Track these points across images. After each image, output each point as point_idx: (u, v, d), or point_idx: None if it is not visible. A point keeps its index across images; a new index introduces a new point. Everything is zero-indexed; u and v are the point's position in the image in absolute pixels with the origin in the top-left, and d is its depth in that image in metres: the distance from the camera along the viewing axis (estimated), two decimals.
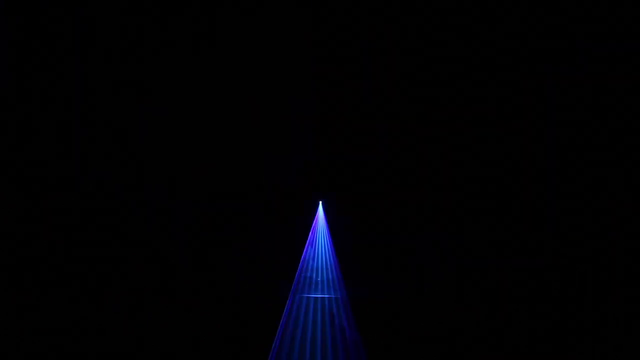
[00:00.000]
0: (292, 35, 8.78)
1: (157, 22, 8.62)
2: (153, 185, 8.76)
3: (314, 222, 10.18)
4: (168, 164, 8.84)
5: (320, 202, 9.89)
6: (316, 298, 9.10)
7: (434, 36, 8.63)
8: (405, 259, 8.77)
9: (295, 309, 8.87)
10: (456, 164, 8.72)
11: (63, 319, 8.08)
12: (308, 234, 10.16)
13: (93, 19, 8.53)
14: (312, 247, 10.15)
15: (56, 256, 8.29)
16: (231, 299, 8.65)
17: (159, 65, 8.66)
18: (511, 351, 8.22)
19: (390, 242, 8.90)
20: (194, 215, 8.89)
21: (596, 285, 8.26)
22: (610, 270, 8.23)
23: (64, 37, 8.47)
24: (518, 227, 8.60)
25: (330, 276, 9.69)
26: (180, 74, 8.70)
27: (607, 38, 8.27)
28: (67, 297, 8.17)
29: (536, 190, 8.58)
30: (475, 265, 8.56)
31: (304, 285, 9.40)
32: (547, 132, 8.56)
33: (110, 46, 8.59)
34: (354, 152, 8.95)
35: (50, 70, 8.44)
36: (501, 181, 8.68)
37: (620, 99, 8.31)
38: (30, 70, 8.41)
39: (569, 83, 8.45)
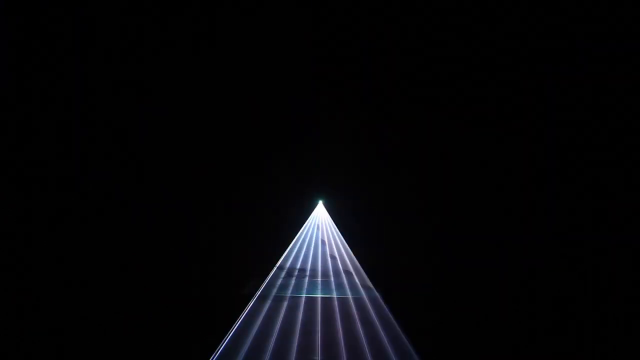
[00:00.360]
0: (292, 36, 8.78)
1: (157, 22, 8.61)
2: (153, 185, 8.77)
3: (314, 220, 10.21)
4: (168, 164, 8.84)
5: (320, 202, 9.94)
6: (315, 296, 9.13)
7: (434, 36, 8.63)
8: (402, 257, 8.80)
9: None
10: (456, 164, 8.74)
11: (63, 318, 8.07)
12: (308, 233, 10.18)
13: (93, 19, 8.52)
14: (312, 245, 10.19)
15: (56, 256, 8.29)
16: (230, 297, 8.67)
17: (159, 65, 8.66)
18: (511, 351, 8.21)
19: (389, 239, 8.93)
20: (194, 214, 8.90)
21: (596, 285, 8.26)
22: (610, 271, 8.23)
23: (64, 37, 8.46)
24: (518, 227, 8.61)
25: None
26: (180, 74, 8.70)
27: (607, 38, 8.27)
28: (66, 297, 8.17)
29: (536, 190, 8.59)
30: (475, 265, 8.57)
31: (306, 285, 9.45)
32: (547, 132, 8.56)
33: (110, 46, 8.58)
34: (354, 152, 8.98)
35: (51, 70, 8.42)
36: (501, 181, 8.69)
37: (620, 98, 8.31)
38: (30, 70, 8.40)
39: (569, 83, 8.46)
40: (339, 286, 9.68)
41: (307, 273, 9.91)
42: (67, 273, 8.28)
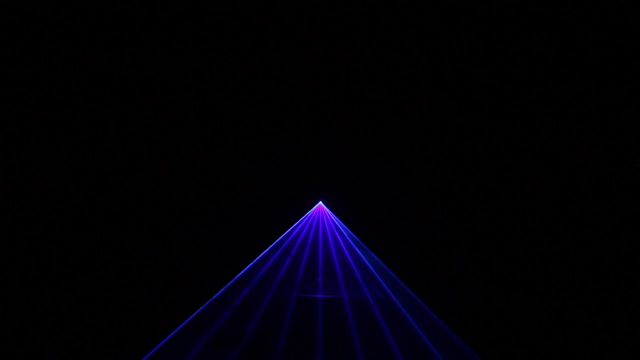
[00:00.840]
0: (292, 35, 8.79)
1: (157, 22, 8.62)
2: (153, 184, 8.79)
3: (315, 219, 10.22)
4: (168, 164, 8.86)
5: (320, 202, 9.96)
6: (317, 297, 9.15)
7: (434, 36, 8.64)
8: (399, 257, 8.84)
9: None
10: (455, 164, 8.75)
11: (63, 318, 8.10)
12: (307, 232, 10.19)
13: (91, 18, 8.53)
14: (312, 242, 10.22)
15: (56, 256, 8.32)
16: (227, 297, 8.69)
17: (159, 65, 8.67)
18: (511, 351, 8.23)
19: (389, 237, 8.96)
20: (194, 214, 8.92)
21: (596, 285, 8.28)
22: (611, 270, 8.25)
23: (64, 37, 8.47)
24: (517, 226, 8.62)
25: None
26: (180, 73, 8.72)
27: (606, 38, 8.27)
28: (66, 297, 8.20)
29: (535, 190, 8.60)
30: (475, 264, 8.59)
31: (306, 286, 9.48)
32: (544, 130, 8.57)
33: (107, 43, 8.58)
34: (354, 152, 9.01)
35: (50, 69, 8.44)
36: (501, 180, 8.70)
37: (620, 99, 8.31)
38: (29, 70, 8.41)
39: (567, 83, 8.47)
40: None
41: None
42: (67, 273, 8.31)
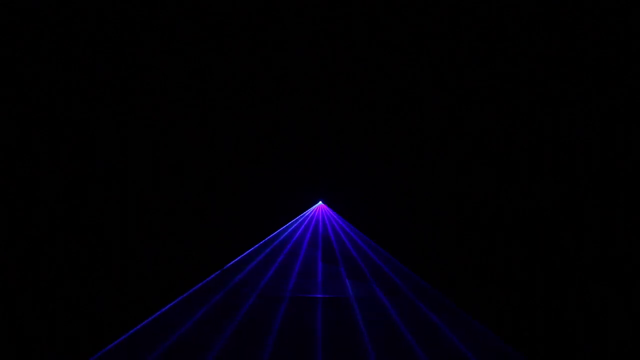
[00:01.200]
0: (292, 35, 8.78)
1: (157, 22, 8.62)
2: (153, 184, 8.79)
3: (315, 219, 10.25)
4: (168, 163, 8.86)
5: (320, 201, 9.99)
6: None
7: (435, 36, 8.63)
8: (397, 257, 8.85)
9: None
10: (453, 164, 8.75)
11: (64, 318, 8.10)
12: (308, 233, 10.21)
13: (91, 18, 8.52)
14: (311, 242, 10.24)
15: (57, 256, 8.31)
16: (229, 299, 8.71)
17: (158, 65, 8.67)
18: (510, 350, 8.25)
19: (389, 237, 8.96)
20: (195, 213, 8.93)
21: (595, 284, 8.27)
22: (609, 271, 8.24)
23: (64, 37, 8.46)
24: (517, 225, 8.62)
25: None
26: (180, 73, 8.72)
27: (607, 38, 8.25)
28: (65, 297, 8.20)
29: (534, 189, 8.60)
30: (473, 264, 8.59)
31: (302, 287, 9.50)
32: (549, 132, 8.56)
33: (108, 46, 8.58)
34: (353, 152, 9.01)
35: (49, 70, 8.43)
36: (500, 180, 8.70)
37: (621, 99, 8.29)
38: (29, 70, 8.39)
39: (570, 84, 8.46)
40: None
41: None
42: (68, 273, 8.32)
